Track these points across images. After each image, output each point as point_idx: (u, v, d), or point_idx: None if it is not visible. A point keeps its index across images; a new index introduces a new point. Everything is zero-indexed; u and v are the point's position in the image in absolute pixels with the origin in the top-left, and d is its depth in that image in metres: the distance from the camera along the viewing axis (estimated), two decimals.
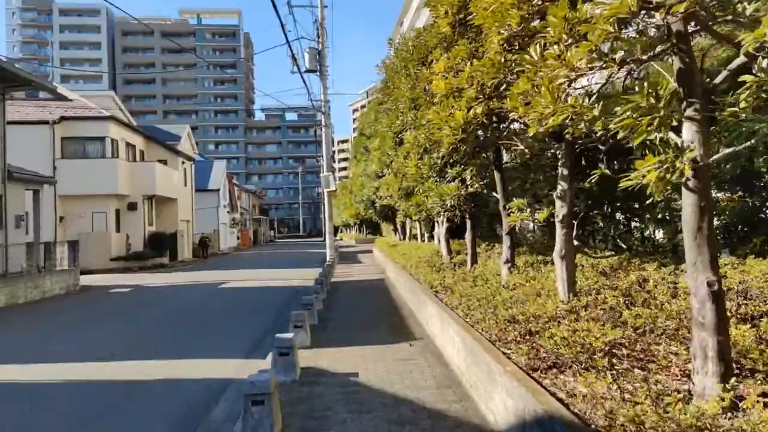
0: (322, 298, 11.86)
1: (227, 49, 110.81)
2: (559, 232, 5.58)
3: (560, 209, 5.59)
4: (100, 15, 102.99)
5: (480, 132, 6.31)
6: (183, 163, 30.49)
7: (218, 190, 40.84)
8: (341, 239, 65.37)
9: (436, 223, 14.00)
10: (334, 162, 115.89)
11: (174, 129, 34.46)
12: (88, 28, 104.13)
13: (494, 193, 7.95)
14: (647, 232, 6.80)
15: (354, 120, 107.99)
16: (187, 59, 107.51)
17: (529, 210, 6.25)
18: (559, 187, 5.64)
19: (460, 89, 5.74)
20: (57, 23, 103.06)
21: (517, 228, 14.40)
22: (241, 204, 56.82)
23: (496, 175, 7.57)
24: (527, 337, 4.46)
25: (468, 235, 9.63)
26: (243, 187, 62.91)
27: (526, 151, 6.71)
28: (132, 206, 24.77)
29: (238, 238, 48.09)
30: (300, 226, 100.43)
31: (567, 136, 4.30)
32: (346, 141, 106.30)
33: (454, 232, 19.03)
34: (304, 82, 20.55)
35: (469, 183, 8.29)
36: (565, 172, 5.60)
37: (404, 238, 21.63)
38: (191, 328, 9.32)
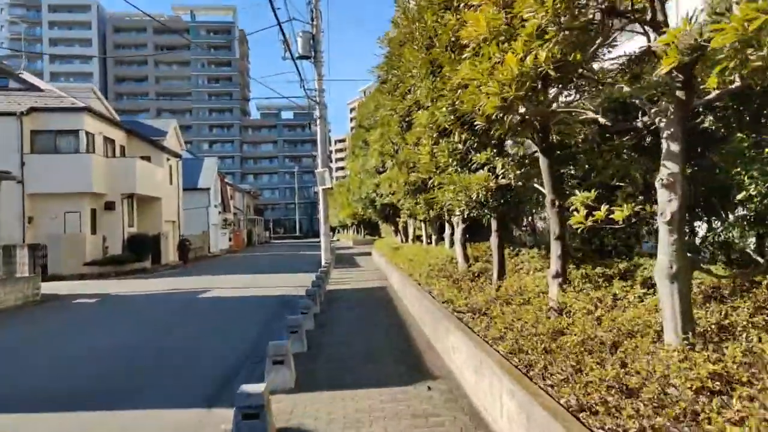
0: (315, 313, 9.94)
1: (222, 46, 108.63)
2: (666, 239, 3.66)
3: (667, 204, 3.67)
4: (91, 11, 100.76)
5: (532, 93, 4.38)
6: (168, 159, 28.49)
7: (208, 189, 38.83)
8: (338, 240, 63.46)
9: (446, 225, 12.11)
10: (331, 161, 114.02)
11: (159, 124, 32.44)
12: (78, 25, 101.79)
13: (537, 185, 6.05)
14: None
15: (352, 120, 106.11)
16: (180, 56, 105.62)
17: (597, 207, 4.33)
18: (665, 171, 3.71)
19: (513, 24, 3.84)
20: (46, 20, 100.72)
21: (551, 231, 12.45)
22: (234, 204, 54.79)
23: (542, 161, 5.65)
24: None
25: (494, 240, 7.71)
26: (236, 186, 60.91)
27: (592, 126, 4.81)
28: (109, 206, 22.76)
29: (230, 239, 46.07)
30: (296, 226, 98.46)
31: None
32: (343, 140, 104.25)
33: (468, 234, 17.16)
34: (297, 68, 18.70)
35: (500, 173, 6.39)
36: (675, 147, 3.68)
37: (406, 240, 19.72)
38: (141, 363, 7.35)
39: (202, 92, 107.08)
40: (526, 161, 6.24)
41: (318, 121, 19.76)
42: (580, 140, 5.93)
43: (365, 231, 50.26)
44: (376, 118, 17.66)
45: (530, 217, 14.48)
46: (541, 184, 5.99)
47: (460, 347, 5.55)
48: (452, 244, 12.19)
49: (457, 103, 5.83)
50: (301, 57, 19.21)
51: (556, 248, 5.64)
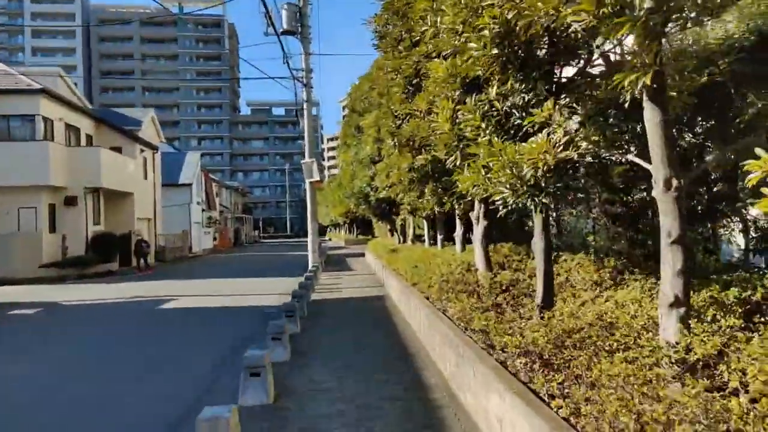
0: (294, 334, 7.69)
1: (211, 40, 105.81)
2: None
3: None
4: (75, 2, 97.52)
5: None
6: (142, 151, 25.98)
7: (190, 184, 36.32)
8: (329, 239, 61.14)
9: (458, 222, 9.85)
10: (323, 159, 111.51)
11: (135, 113, 29.92)
12: (61, 16, 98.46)
13: (634, 158, 3.80)
14: None
15: (344, 117, 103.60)
16: (168, 50, 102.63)
17: None
18: None
19: None
20: (28, 11, 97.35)
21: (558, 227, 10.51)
22: (220, 201, 52.25)
23: (650, 116, 3.39)
24: None
25: (538, 244, 5.43)
26: (223, 183, 58.32)
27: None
28: (70, 201, 20.27)
29: (215, 238, 43.55)
30: (287, 225, 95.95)
31: None
32: (335, 138, 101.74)
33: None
34: (281, 44, 16.29)
35: (565, 140, 4.12)
36: None
37: (404, 241, 17.46)
38: (48, 413, 5.04)
39: (191, 87, 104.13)
40: (612, 120, 3.98)
41: (305, 106, 17.44)
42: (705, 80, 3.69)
43: (358, 230, 47.97)
44: (371, 99, 15.39)
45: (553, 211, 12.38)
46: (642, 155, 3.75)
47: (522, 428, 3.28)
48: (464, 246, 9.95)
49: (512, 16, 3.58)
50: (286, 32, 16.86)
51: (673, 257, 3.39)
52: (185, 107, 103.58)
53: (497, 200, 4.42)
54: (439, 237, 11.76)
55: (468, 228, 10.46)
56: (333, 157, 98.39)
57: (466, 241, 11.16)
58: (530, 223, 12.17)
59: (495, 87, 4.54)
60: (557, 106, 4.06)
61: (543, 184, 4.03)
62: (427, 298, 7.72)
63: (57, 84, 23.19)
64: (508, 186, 4.24)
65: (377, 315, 9.56)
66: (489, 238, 7.66)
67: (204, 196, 42.60)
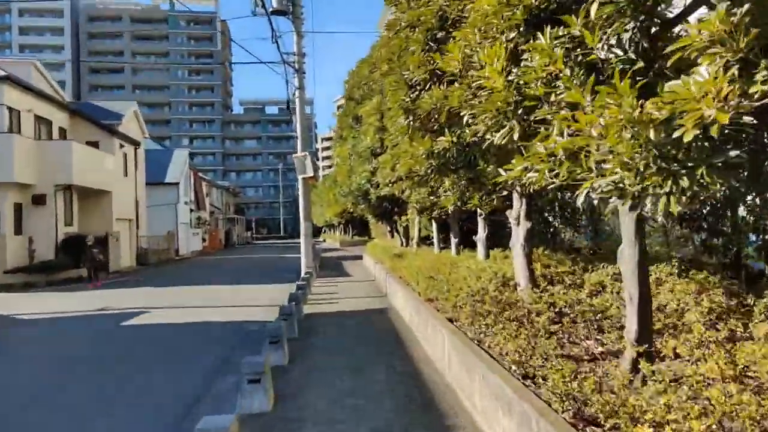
0: (279, 366, 5.98)
1: (203, 38, 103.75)
2: None
3: None
4: None
5: None
6: (122, 146, 24.06)
7: (177, 183, 34.40)
8: (324, 241, 59.38)
9: (481, 224, 8.13)
10: (318, 159, 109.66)
11: (115, 106, 28.00)
12: (49, 12, 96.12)
13: None
14: None
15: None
16: (159, 47, 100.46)
17: None
18: None
19: None
20: (16, 7, 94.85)
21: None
22: (211, 201, 50.33)
23: None
24: None
25: (629, 253, 3.72)
26: (214, 182, 56.39)
27: None
28: (39, 200, 18.38)
29: (204, 240, 41.62)
30: (281, 226, 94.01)
31: None
32: (330, 138, 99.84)
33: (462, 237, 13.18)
34: (270, 24, 14.48)
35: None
36: None
37: (407, 244, 15.73)
38: None
39: (182, 85, 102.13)
40: None
41: (297, 94, 15.67)
42: None
43: (354, 231, 46.19)
44: (372, 85, 13.67)
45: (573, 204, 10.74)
46: None
47: None
48: (488, 253, 8.22)
49: None
50: (276, 12, 15.10)
51: None
52: (176, 106, 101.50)
53: (603, 189, 2.69)
54: (453, 240, 10.03)
55: (491, 230, 8.74)
56: (328, 157, 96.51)
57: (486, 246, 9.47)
58: (556, 223, 10.50)
59: (585, 14, 2.82)
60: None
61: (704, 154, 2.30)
62: (451, 320, 6.00)
63: (30, 73, 21.30)
64: (628, 161, 2.51)
65: (383, 337, 7.80)
66: (530, 243, 5.93)
67: (193, 196, 40.69)
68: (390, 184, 12.36)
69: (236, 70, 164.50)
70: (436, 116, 5.63)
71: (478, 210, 8.09)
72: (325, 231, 69.77)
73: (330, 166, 68.15)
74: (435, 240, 11.99)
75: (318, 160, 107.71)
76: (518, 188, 5.65)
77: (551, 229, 10.84)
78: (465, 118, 4.46)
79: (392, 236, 21.64)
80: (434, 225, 12.07)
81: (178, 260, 30.89)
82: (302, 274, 14.14)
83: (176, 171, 35.02)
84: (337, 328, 8.62)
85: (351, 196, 16.72)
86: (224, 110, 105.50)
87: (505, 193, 6.03)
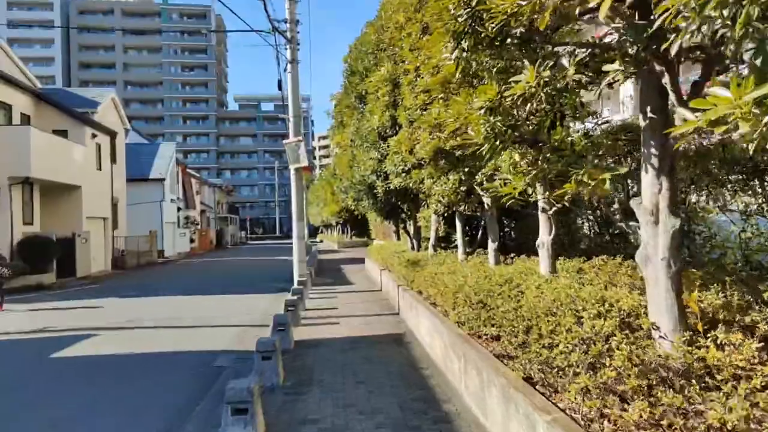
0: None
1: (197, 32, 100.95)
2: None
3: None
4: None
5: None
6: (95, 136, 21.49)
7: (163, 179, 31.85)
8: (321, 242, 56.89)
9: (548, 223, 5.67)
10: (315, 158, 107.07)
11: (90, 93, 25.44)
12: (39, 6, 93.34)
13: None
14: None
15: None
16: (151, 42, 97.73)
17: None
18: None
19: None
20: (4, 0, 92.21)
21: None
22: (202, 200, 47.77)
23: None
24: None
25: None
26: (205, 180, 53.80)
27: None
28: None
29: (192, 240, 39.05)
30: (276, 226, 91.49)
31: None
32: (327, 137, 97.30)
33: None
34: None
35: None
36: None
37: (419, 247, 13.26)
38: None
39: (175, 81, 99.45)
40: None
41: (289, 68, 13.18)
42: None
43: (352, 231, 43.72)
44: (379, 53, 11.21)
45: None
46: None
47: None
48: (554, 265, 5.75)
49: None
50: None
51: None
52: (169, 102, 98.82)
53: None
54: (491, 245, 7.54)
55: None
56: (325, 156, 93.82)
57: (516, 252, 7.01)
58: (617, 219, 8.05)
59: None
60: None
61: None
62: (530, 381, 3.57)
63: None
64: None
65: (410, 393, 5.33)
66: (679, 257, 3.49)
67: (181, 194, 38.15)
68: (403, 173, 9.92)
69: (231, 66, 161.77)
70: (515, 31, 3.18)
71: (540, 204, 5.64)
72: (321, 231, 67.32)
73: (326, 165, 65.50)
74: (459, 243, 9.52)
75: (314, 159, 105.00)
76: (656, 156, 3.24)
77: (609, 231, 8.40)
78: None
79: (398, 237, 19.17)
80: (458, 224, 9.61)
81: (162, 263, 28.32)
82: (295, 285, 11.67)
83: (162, 166, 32.47)
84: (341, 371, 6.13)
85: (352, 190, 14.22)
86: (219, 107, 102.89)
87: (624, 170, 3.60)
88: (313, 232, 65.78)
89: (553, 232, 5.70)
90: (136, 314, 11.09)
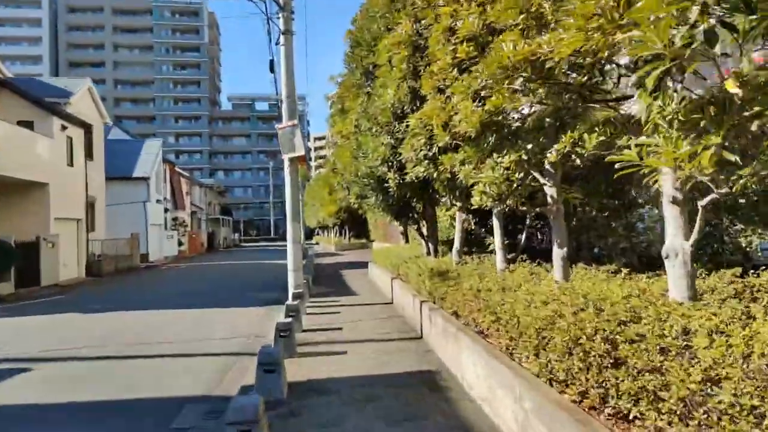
0: None
1: (189, 30, 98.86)
2: None
3: None
4: None
5: None
6: (65, 128, 19.26)
7: (147, 178, 29.64)
8: (317, 244, 54.77)
9: (675, 215, 3.67)
10: (311, 159, 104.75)
11: (63, 82, 23.23)
12: (27, 3, 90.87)
13: None
14: None
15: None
16: (142, 40, 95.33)
17: None
18: None
19: None
20: None
21: None
22: (192, 200, 45.54)
23: None
24: None
25: None
26: (194, 179, 51.53)
27: None
28: None
29: (181, 243, 36.79)
30: (271, 228, 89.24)
31: None
32: (323, 138, 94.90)
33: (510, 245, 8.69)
34: None
35: None
36: None
37: (435, 252, 11.17)
38: None
39: (167, 80, 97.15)
40: None
41: (282, 40, 11.07)
42: None
43: (351, 233, 41.62)
44: (392, 16, 9.12)
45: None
46: None
47: None
48: (694, 287, 3.68)
49: None
50: None
51: None
52: (161, 101, 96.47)
53: None
54: (559, 252, 5.40)
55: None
56: (321, 157, 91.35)
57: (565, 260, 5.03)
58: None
59: None
60: None
61: None
62: None
63: None
64: None
65: None
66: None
67: (169, 194, 35.93)
68: (426, 161, 7.82)
69: (225, 65, 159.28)
70: None
71: (670, 190, 3.57)
72: (318, 233, 65.15)
73: (323, 165, 63.19)
74: (498, 249, 7.43)
75: (311, 159, 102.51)
76: None
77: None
78: None
79: (406, 240, 17.09)
80: (495, 224, 7.53)
81: (144, 268, 26.06)
82: (289, 300, 9.56)
83: (147, 164, 30.26)
84: None
85: (356, 185, 12.10)
86: (212, 106, 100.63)
87: None
88: (309, 233, 63.59)
89: (695, 234, 3.62)
90: (94, 336, 8.94)
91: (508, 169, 5.63)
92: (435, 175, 7.87)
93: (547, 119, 5.17)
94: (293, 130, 10.74)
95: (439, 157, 7.48)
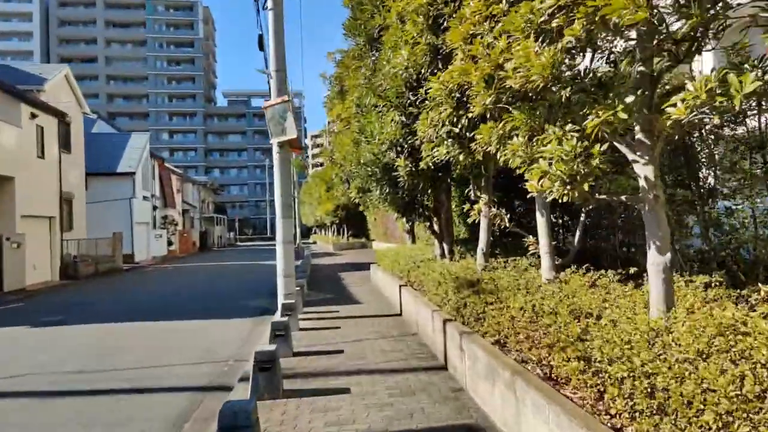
0: None
1: (183, 25, 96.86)
2: None
3: None
4: None
5: None
6: (35, 116, 17.43)
7: (133, 174, 27.83)
8: (314, 243, 53.04)
9: None
10: (307, 157, 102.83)
11: (38, 69, 21.42)
12: None
13: None
14: None
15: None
16: (136, 35, 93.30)
17: None
18: None
19: None
20: None
21: None
22: (184, 198, 43.72)
23: None
24: None
25: None
26: (188, 176, 49.70)
27: None
28: None
29: (170, 243, 34.97)
30: (267, 226, 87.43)
31: None
32: (320, 135, 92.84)
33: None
34: None
35: None
36: None
37: (451, 254, 9.43)
38: None
39: (161, 76, 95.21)
40: None
41: (270, 4, 9.33)
42: None
43: (349, 232, 39.87)
44: None
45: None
46: None
47: None
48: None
49: None
50: None
51: None
52: (155, 98, 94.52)
53: None
54: (660, 259, 3.69)
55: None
56: (317, 155, 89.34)
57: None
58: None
59: None
60: None
61: None
62: None
63: None
64: None
65: None
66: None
67: (158, 191, 34.12)
68: (450, 139, 6.09)
69: (220, 60, 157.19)
70: None
71: None
72: (315, 232, 63.41)
73: (321, 164, 61.22)
74: (544, 251, 5.72)
75: (308, 157, 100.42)
76: None
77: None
78: None
79: (411, 238, 15.36)
80: (539, 218, 5.83)
81: (128, 270, 24.24)
82: (278, 313, 7.82)
83: (133, 159, 28.44)
84: None
85: (358, 176, 10.34)
86: (207, 103, 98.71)
87: None
88: (306, 232, 61.81)
89: None
90: (34, 360, 7.17)
91: (581, 139, 3.89)
92: (461, 157, 6.13)
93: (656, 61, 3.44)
94: (284, 108, 8.99)
95: (467, 134, 5.76)
